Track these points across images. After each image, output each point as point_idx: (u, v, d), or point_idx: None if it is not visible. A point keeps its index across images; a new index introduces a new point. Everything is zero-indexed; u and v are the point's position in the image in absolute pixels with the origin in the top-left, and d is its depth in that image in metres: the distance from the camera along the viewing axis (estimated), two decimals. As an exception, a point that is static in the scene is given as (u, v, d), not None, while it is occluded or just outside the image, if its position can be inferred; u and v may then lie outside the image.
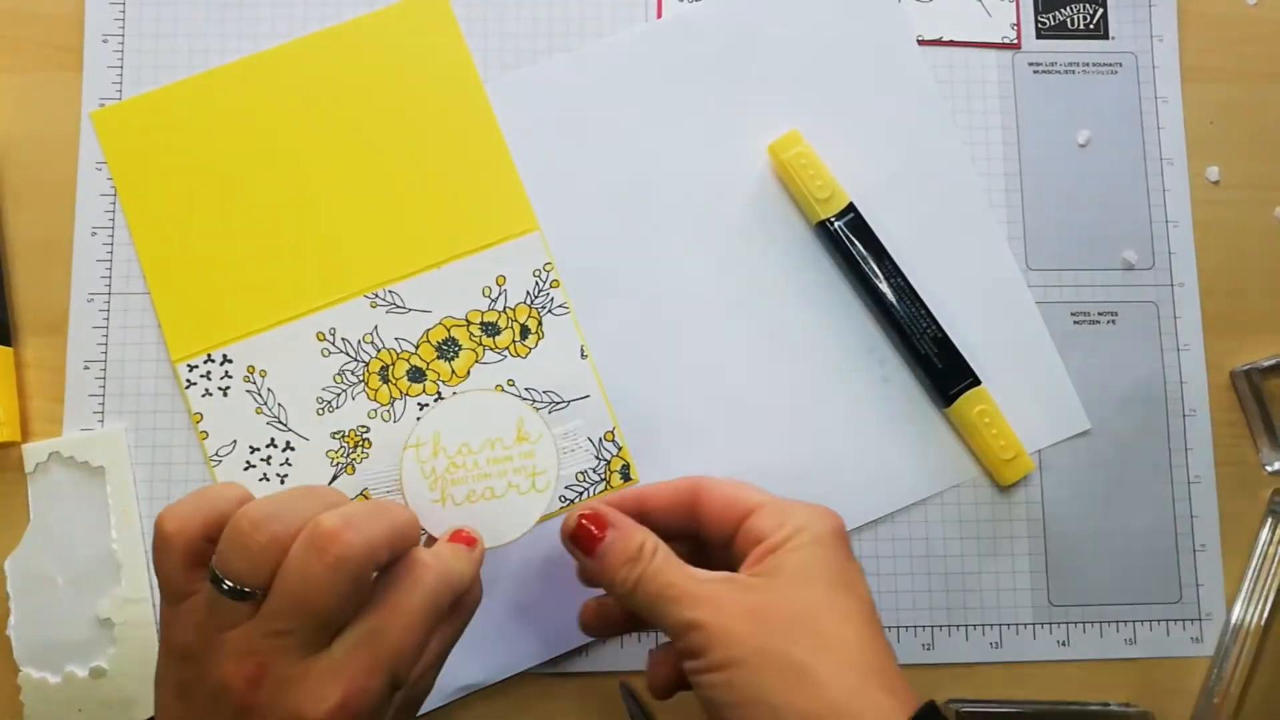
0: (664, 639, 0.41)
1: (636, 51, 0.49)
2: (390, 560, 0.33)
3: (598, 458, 0.46)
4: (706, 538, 0.39)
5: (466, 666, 0.44)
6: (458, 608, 0.36)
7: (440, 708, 0.44)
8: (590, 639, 0.45)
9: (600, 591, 0.40)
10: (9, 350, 0.46)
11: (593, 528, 0.37)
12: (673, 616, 0.34)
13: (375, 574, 0.33)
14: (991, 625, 0.46)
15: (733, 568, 0.37)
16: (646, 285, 0.47)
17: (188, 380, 0.46)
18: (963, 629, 0.46)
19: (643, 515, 0.39)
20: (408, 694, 0.34)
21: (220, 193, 0.47)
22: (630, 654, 0.45)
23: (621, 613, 0.41)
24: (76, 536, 0.45)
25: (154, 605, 0.44)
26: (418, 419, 0.45)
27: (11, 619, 0.44)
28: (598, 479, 0.46)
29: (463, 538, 0.37)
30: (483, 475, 0.39)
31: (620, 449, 0.46)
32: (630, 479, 0.46)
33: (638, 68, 0.49)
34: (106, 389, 0.46)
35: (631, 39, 0.49)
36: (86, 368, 0.46)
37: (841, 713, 0.32)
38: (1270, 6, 0.51)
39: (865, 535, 0.46)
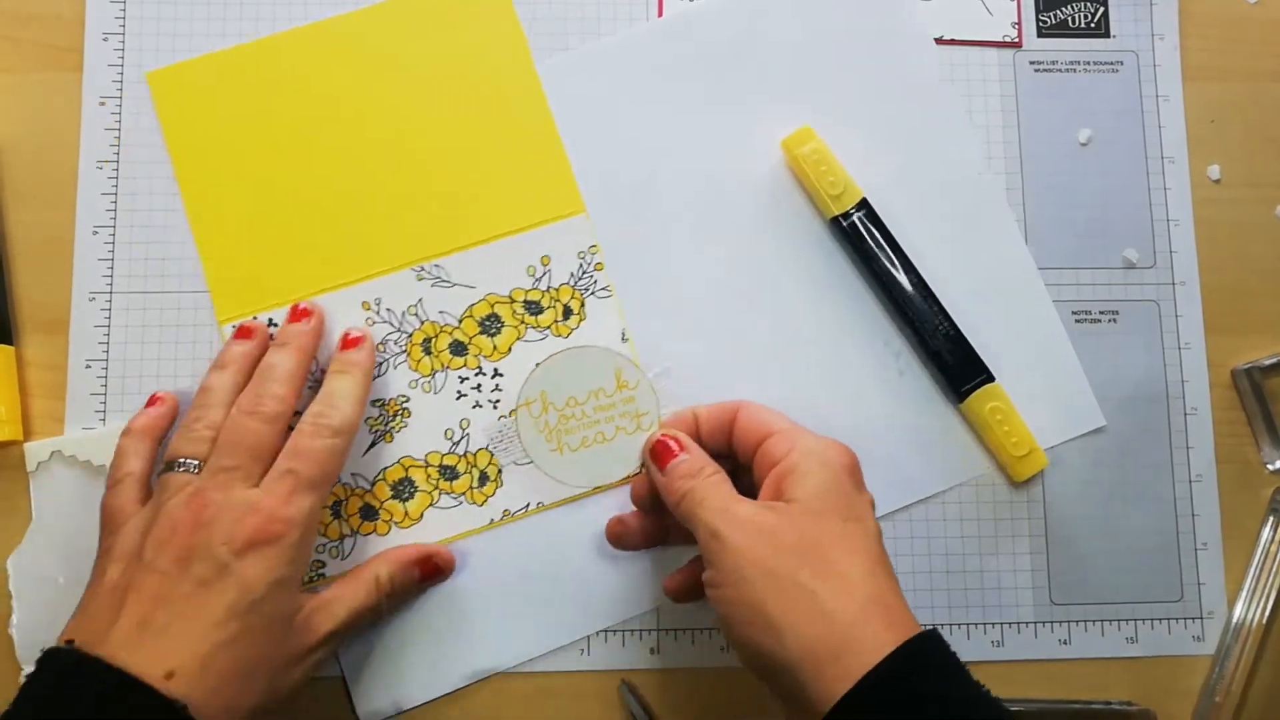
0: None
1: (648, 46, 0.49)
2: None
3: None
4: (739, 460, 0.42)
5: (481, 652, 0.45)
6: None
7: (440, 706, 0.44)
8: (591, 633, 0.45)
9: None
10: (11, 349, 0.46)
11: (673, 445, 0.41)
12: (702, 522, 0.38)
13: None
14: (993, 624, 0.46)
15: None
16: (659, 279, 0.47)
17: None
18: (964, 627, 0.46)
19: (695, 431, 0.43)
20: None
21: (272, 158, 0.47)
22: (630, 654, 0.45)
23: (643, 526, 0.44)
24: (78, 535, 0.44)
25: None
26: (490, 380, 0.46)
27: (13, 617, 0.44)
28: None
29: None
30: (592, 423, 0.44)
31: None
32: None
33: (649, 62, 0.49)
34: (108, 388, 0.46)
35: (645, 33, 0.49)
36: (88, 366, 0.46)
37: (840, 638, 0.34)
38: (1271, 5, 0.51)
39: (866, 534, 0.46)
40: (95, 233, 0.47)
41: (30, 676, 0.35)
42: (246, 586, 0.36)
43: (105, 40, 0.48)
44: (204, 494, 0.38)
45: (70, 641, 0.36)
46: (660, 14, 0.49)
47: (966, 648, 0.46)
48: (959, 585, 0.46)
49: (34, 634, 0.44)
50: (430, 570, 0.44)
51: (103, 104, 0.48)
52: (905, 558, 0.46)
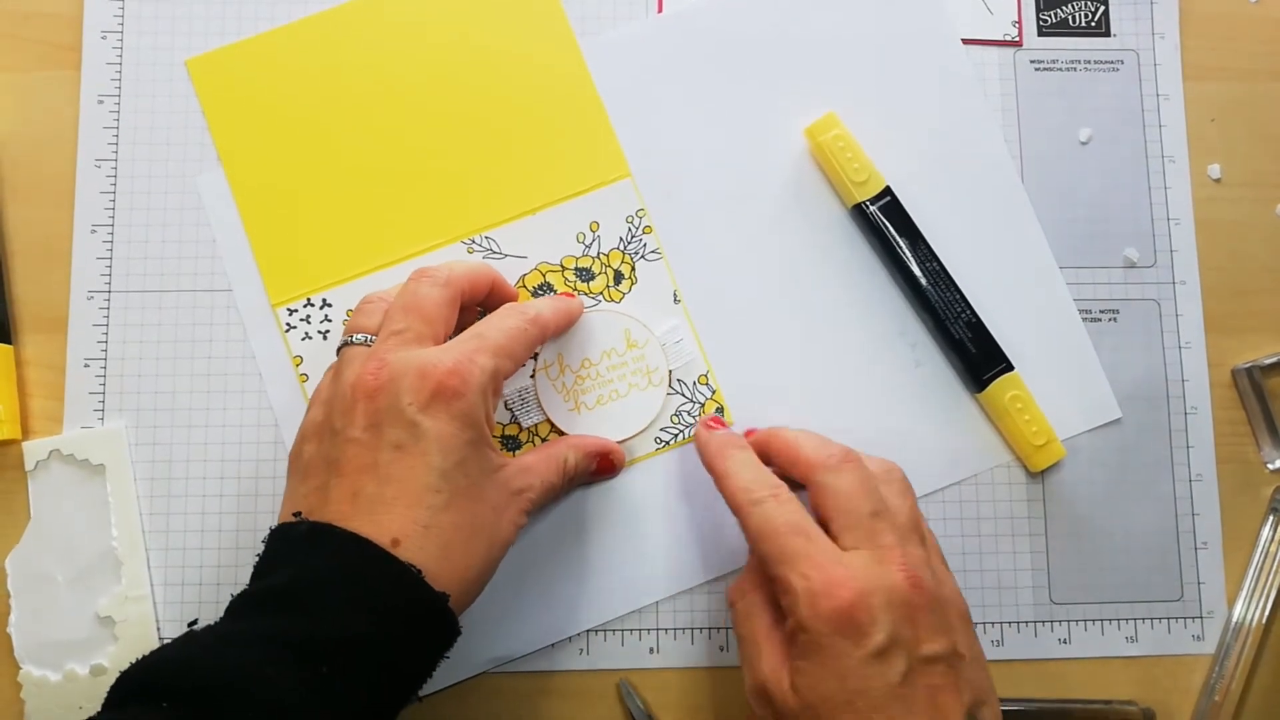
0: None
1: (674, 32, 0.49)
2: (473, 293, 0.42)
3: (692, 400, 0.46)
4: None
5: (497, 640, 0.45)
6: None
7: (439, 705, 0.44)
8: (599, 622, 0.45)
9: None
10: (9, 348, 0.46)
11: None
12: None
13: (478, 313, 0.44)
14: (993, 623, 0.46)
15: None
16: (700, 249, 0.48)
17: (287, 324, 0.46)
18: (964, 627, 0.46)
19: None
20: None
21: (317, 139, 0.47)
22: (629, 653, 0.45)
23: None
24: (77, 534, 0.45)
25: (154, 603, 0.44)
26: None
27: (12, 617, 0.44)
28: (693, 421, 0.46)
29: (605, 460, 0.45)
30: (606, 381, 0.46)
31: (715, 391, 0.46)
32: (726, 423, 0.46)
33: (675, 49, 0.49)
34: (107, 387, 0.46)
35: (671, 19, 0.49)
36: (86, 365, 0.46)
37: None
38: (1272, 4, 0.51)
39: (866, 533, 0.46)
40: (94, 231, 0.47)
41: (264, 552, 0.35)
42: (445, 447, 0.36)
43: (104, 38, 0.48)
44: (378, 356, 0.37)
45: (298, 514, 0.36)
46: (660, 10, 0.49)
47: (966, 647, 0.46)
48: (959, 584, 0.46)
49: (33, 633, 0.44)
50: (606, 465, 0.44)
51: (101, 102, 0.48)
52: (905, 557, 0.46)
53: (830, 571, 0.34)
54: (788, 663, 0.35)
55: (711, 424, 0.43)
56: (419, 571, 0.34)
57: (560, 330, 0.44)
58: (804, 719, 0.34)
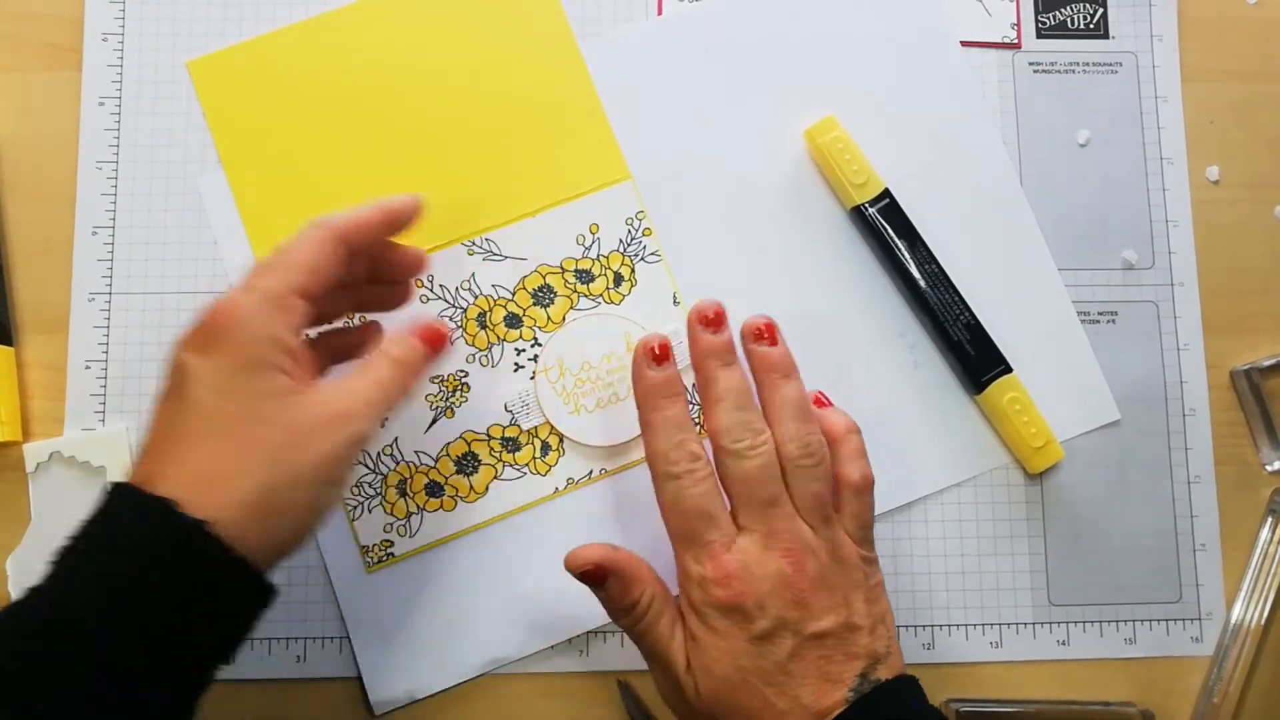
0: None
1: (671, 36, 0.49)
2: (357, 236, 0.38)
3: (692, 402, 0.46)
4: None
5: (496, 642, 0.45)
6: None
7: (439, 705, 0.44)
8: (598, 623, 0.45)
9: None
10: (10, 350, 0.46)
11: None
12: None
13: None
14: (991, 625, 0.46)
15: None
16: (700, 251, 0.48)
17: None
18: (963, 628, 0.46)
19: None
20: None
21: (317, 141, 0.47)
22: (630, 653, 0.45)
23: None
24: (77, 536, 0.45)
25: (155, 604, 0.44)
26: (532, 348, 0.47)
27: (12, 618, 0.44)
28: (695, 421, 0.46)
29: (429, 332, 0.39)
30: (606, 385, 0.46)
31: None
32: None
33: (675, 51, 0.49)
34: (107, 389, 0.46)
35: (671, 21, 0.49)
36: (88, 367, 0.46)
37: None
38: (1270, 6, 0.51)
39: (865, 535, 0.46)
40: (94, 233, 0.47)
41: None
42: (208, 381, 0.34)
43: (105, 40, 0.48)
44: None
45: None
46: (660, 12, 0.49)
47: (965, 649, 0.46)
48: (958, 586, 0.46)
49: (33, 634, 0.44)
50: (436, 342, 0.39)
51: (102, 104, 0.48)
52: (905, 558, 0.46)
53: (722, 561, 0.37)
54: (684, 649, 0.38)
55: (656, 353, 0.40)
56: (173, 502, 0.32)
57: (363, 222, 0.38)
58: (706, 699, 0.37)
